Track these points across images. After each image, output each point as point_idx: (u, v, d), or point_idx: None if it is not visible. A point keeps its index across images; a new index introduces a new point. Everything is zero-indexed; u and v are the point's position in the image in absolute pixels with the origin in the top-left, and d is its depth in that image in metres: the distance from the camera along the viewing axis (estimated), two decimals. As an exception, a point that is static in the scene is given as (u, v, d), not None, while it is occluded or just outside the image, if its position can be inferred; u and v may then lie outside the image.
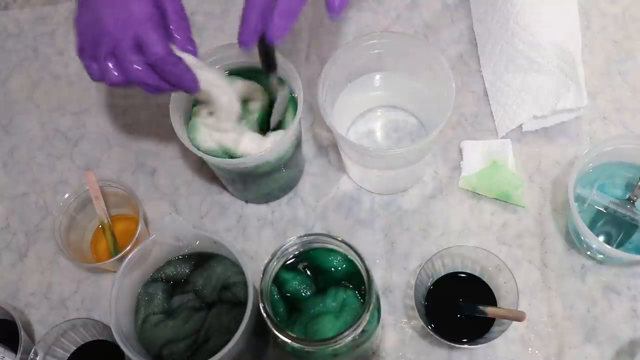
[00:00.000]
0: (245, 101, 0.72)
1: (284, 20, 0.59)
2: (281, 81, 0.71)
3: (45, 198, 0.87)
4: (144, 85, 0.61)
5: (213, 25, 0.95)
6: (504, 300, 0.71)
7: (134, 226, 0.78)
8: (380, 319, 0.66)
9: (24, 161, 0.90)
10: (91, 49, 0.60)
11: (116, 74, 0.60)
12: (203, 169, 0.86)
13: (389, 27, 0.93)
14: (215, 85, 0.66)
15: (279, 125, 0.73)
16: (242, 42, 0.60)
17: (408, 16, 0.94)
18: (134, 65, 0.59)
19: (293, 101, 0.74)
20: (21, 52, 0.97)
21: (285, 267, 0.64)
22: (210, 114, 0.70)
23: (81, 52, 0.61)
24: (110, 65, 0.60)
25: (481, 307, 0.70)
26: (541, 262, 0.78)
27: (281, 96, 0.71)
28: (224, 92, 0.67)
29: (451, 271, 0.75)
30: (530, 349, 0.74)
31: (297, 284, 0.64)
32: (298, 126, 0.72)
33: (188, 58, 0.63)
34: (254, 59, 0.75)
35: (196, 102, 0.73)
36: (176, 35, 0.63)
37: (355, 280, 0.63)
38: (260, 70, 0.75)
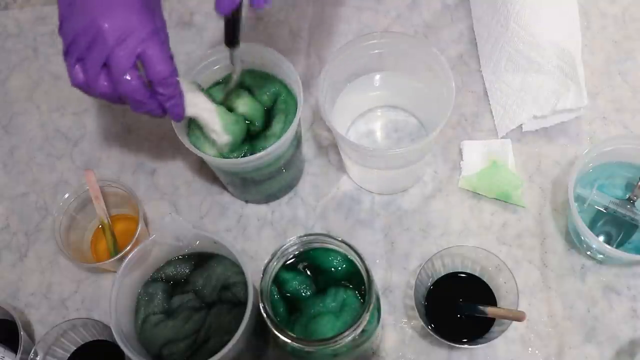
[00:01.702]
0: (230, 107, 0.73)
1: None
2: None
3: (45, 198, 0.87)
4: (134, 101, 0.60)
5: (213, 25, 0.95)
6: (504, 300, 0.71)
7: (134, 226, 0.78)
8: (380, 319, 0.66)
9: (24, 161, 0.90)
10: (80, 54, 0.58)
11: (106, 84, 0.59)
12: (203, 169, 0.86)
13: (389, 27, 0.93)
14: (198, 107, 0.66)
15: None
16: (221, 7, 0.58)
17: (408, 16, 0.94)
18: (129, 79, 0.58)
19: (293, 101, 0.74)
20: (21, 52, 0.97)
21: (285, 267, 0.64)
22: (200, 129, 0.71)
23: (67, 54, 0.59)
24: (100, 74, 0.58)
25: (481, 307, 0.70)
26: (541, 262, 0.78)
27: (236, 72, 0.69)
28: (206, 111, 0.68)
29: (451, 271, 0.75)
30: (530, 349, 0.74)
31: (297, 284, 0.64)
32: (298, 126, 0.72)
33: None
34: (252, 59, 0.75)
35: None
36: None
37: (355, 280, 0.63)
38: (258, 71, 0.76)
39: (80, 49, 0.58)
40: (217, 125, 0.69)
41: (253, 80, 0.75)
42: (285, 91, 0.75)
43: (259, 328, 0.68)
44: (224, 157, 0.72)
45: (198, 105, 0.66)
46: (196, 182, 0.86)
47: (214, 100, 0.70)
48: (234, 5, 0.58)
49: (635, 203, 0.75)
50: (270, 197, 0.83)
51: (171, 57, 0.61)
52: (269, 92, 0.75)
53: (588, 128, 0.84)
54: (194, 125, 0.73)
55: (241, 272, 0.67)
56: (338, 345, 0.58)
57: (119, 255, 0.75)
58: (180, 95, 0.62)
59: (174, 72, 0.60)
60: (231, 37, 0.64)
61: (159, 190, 0.86)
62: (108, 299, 0.65)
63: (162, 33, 0.61)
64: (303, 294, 0.64)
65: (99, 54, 0.57)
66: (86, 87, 0.60)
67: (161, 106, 0.62)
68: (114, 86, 0.59)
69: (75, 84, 0.60)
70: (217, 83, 0.76)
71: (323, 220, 0.82)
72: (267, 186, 0.79)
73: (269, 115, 0.74)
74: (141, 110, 0.62)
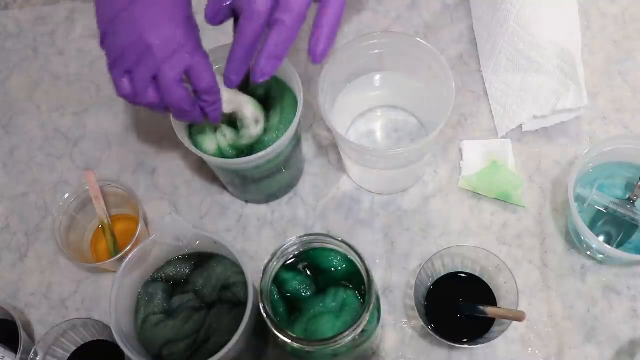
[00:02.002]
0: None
1: (270, 63, 0.59)
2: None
3: (45, 198, 0.87)
4: (180, 110, 0.62)
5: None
6: (504, 300, 0.71)
7: (134, 226, 0.78)
8: (380, 319, 0.66)
9: (24, 161, 0.90)
10: (128, 68, 0.60)
11: (154, 95, 0.61)
12: (203, 169, 0.86)
13: (389, 27, 0.93)
14: (236, 102, 0.68)
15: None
16: (229, 79, 0.62)
17: (408, 16, 0.94)
18: (177, 91, 0.60)
19: (293, 101, 0.74)
20: (21, 52, 0.97)
21: (285, 267, 0.64)
22: (230, 128, 0.72)
23: (113, 66, 0.61)
24: (150, 87, 0.60)
25: (481, 307, 0.70)
26: (541, 262, 0.78)
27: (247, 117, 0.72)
28: (246, 104, 0.69)
29: (451, 271, 0.75)
30: (530, 349, 0.74)
31: (297, 284, 0.64)
32: (298, 126, 0.72)
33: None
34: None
35: None
36: None
37: (355, 280, 0.63)
38: None
39: (128, 63, 0.59)
40: (255, 115, 0.70)
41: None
42: (281, 87, 0.75)
43: (259, 328, 0.68)
44: (224, 157, 0.72)
45: (235, 101, 0.68)
46: (196, 182, 0.86)
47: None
48: (239, 79, 0.62)
49: (635, 203, 0.75)
50: (270, 197, 0.83)
51: (213, 69, 0.63)
52: (261, 86, 0.75)
53: (588, 128, 0.84)
54: (204, 136, 0.73)
55: (241, 272, 0.67)
56: (338, 345, 0.58)
57: (119, 255, 0.75)
58: (220, 100, 0.64)
59: (217, 81, 0.63)
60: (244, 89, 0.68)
61: (159, 190, 0.86)
62: (108, 299, 0.65)
63: (201, 44, 0.63)
64: (303, 294, 0.64)
65: (148, 68, 0.59)
66: (133, 98, 0.62)
67: (203, 112, 0.64)
68: (162, 97, 0.61)
69: (122, 94, 0.61)
70: None
71: (323, 220, 0.82)
72: (267, 186, 0.79)
73: (267, 115, 0.74)
74: (185, 119, 0.64)
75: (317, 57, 0.59)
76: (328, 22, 0.58)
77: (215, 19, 0.62)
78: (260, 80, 0.60)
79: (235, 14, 0.62)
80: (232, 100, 0.67)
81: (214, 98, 0.63)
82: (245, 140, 0.72)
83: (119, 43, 0.59)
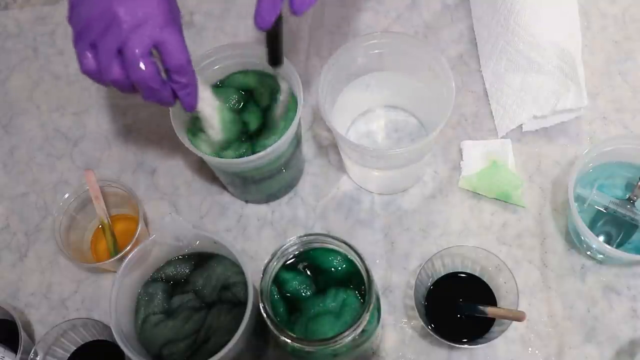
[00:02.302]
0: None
1: None
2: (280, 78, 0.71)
3: (45, 198, 0.87)
4: (147, 89, 0.58)
5: (213, 25, 0.95)
6: (504, 300, 0.71)
7: (134, 226, 0.78)
8: (380, 319, 0.66)
9: (24, 161, 0.90)
10: (92, 41, 0.56)
11: (119, 70, 0.57)
12: (203, 169, 0.86)
13: (389, 27, 0.93)
14: (204, 101, 0.66)
15: (272, 125, 0.73)
16: (261, 18, 0.56)
17: (408, 16, 0.94)
18: (144, 66, 0.57)
19: (293, 101, 0.74)
20: (21, 52, 0.97)
21: (285, 267, 0.64)
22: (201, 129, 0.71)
23: (77, 40, 0.57)
24: (114, 61, 0.57)
25: (481, 307, 0.70)
26: (541, 262, 0.78)
27: (284, 91, 0.70)
28: (210, 105, 0.68)
29: (451, 271, 0.75)
30: (530, 349, 0.74)
31: (297, 284, 0.64)
32: (298, 126, 0.72)
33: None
34: (252, 59, 0.75)
35: None
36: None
37: (355, 280, 0.63)
38: (258, 71, 0.76)
39: (93, 35, 0.56)
40: (216, 122, 0.69)
41: (253, 81, 0.76)
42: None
43: (259, 328, 0.68)
44: (223, 157, 0.72)
45: (204, 100, 0.66)
46: (196, 182, 0.86)
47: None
48: (273, 16, 0.56)
49: (635, 203, 0.75)
50: (270, 197, 0.83)
51: (185, 45, 0.59)
52: (267, 91, 0.75)
53: (588, 128, 0.84)
54: (196, 124, 0.73)
55: (241, 272, 0.67)
56: (338, 345, 0.58)
57: (119, 255, 0.75)
58: (195, 84, 0.61)
59: (190, 60, 0.59)
60: (274, 54, 0.63)
61: (159, 190, 0.86)
62: (108, 299, 0.65)
63: (178, 21, 0.59)
64: (303, 294, 0.64)
65: (113, 39, 0.56)
66: (97, 74, 0.58)
67: (174, 95, 0.61)
68: (128, 73, 0.57)
69: (86, 70, 0.58)
70: (215, 85, 0.76)
71: (323, 220, 0.82)
72: (267, 186, 0.79)
73: (266, 115, 0.74)
74: (153, 99, 0.60)
75: (296, 5, 0.55)
76: None
77: None
78: (303, 10, 0.54)
79: None
80: (201, 98, 0.64)
81: (185, 79, 0.59)
82: (204, 148, 0.71)
83: (84, 13, 0.56)
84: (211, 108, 0.68)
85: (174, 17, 0.59)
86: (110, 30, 0.56)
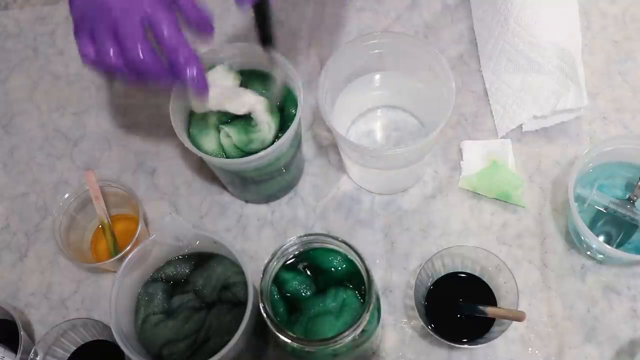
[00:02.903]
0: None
1: None
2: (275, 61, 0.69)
3: (45, 198, 0.87)
4: (146, 71, 0.57)
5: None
6: (504, 300, 0.71)
7: (134, 226, 0.78)
8: (380, 319, 0.66)
9: (24, 161, 0.90)
10: (89, 28, 0.56)
11: (115, 56, 0.56)
12: (203, 169, 0.86)
13: (389, 27, 0.93)
14: (251, 104, 0.68)
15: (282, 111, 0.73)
16: None
17: (408, 16, 0.94)
18: (139, 48, 0.56)
19: (293, 100, 0.74)
20: (21, 52, 0.97)
21: (285, 267, 0.64)
22: (235, 129, 0.72)
23: (77, 31, 0.58)
24: (110, 46, 0.56)
25: (481, 307, 0.70)
26: (541, 262, 0.78)
27: (279, 75, 0.70)
28: (259, 107, 0.69)
29: (451, 271, 0.75)
30: (530, 349, 0.74)
31: (297, 284, 0.64)
32: (298, 126, 0.72)
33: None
34: (254, 58, 0.75)
35: None
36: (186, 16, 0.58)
37: (355, 280, 0.63)
38: (259, 71, 0.76)
39: (89, 25, 0.56)
40: (268, 120, 0.70)
41: (254, 81, 0.76)
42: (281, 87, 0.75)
43: (259, 328, 0.68)
44: (225, 157, 0.72)
45: (250, 102, 0.66)
46: (196, 182, 0.86)
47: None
48: None
49: (635, 203, 0.75)
50: (270, 197, 0.83)
51: (178, 24, 0.58)
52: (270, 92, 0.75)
53: (588, 128, 0.84)
54: (196, 123, 0.73)
55: (241, 272, 0.67)
56: (338, 345, 0.58)
57: (119, 255, 0.75)
58: (198, 64, 0.59)
59: (182, 36, 0.58)
60: (264, 34, 0.62)
61: (159, 190, 0.86)
62: (108, 299, 0.65)
63: (169, 3, 0.58)
64: (303, 294, 0.64)
65: (105, 25, 0.56)
66: (97, 62, 0.58)
67: (174, 76, 0.59)
68: (125, 57, 0.57)
69: (86, 58, 0.58)
70: None
71: (323, 220, 0.82)
72: (267, 186, 0.79)
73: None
74: (156, 83, 0.59)
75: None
76: None
77: None
78: None
79: None
80: (246, 102, 0.66)
81: (182, 57, 0.57)
82: (256, 145, 0.71)
83: (80, 5, 0.57)
84: (261, 106, 0.69)
85: None
86: (102, 16, 0.56)
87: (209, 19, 0.59)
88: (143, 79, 0.58)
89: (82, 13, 0.57)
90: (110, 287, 0.66)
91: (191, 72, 0.58)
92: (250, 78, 0.75)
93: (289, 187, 0.84)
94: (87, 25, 0.57)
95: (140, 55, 0.56)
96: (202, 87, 0.60)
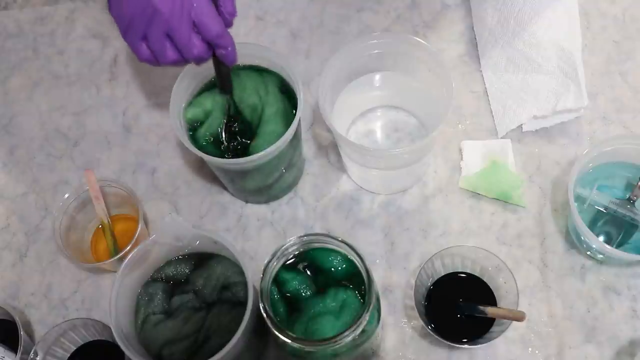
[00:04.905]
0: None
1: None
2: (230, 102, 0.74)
3: (45, 198, 0.87)
4: (200, 60, 0.65)
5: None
6: (504, 300, 0.71)
7: (134, 226, 0.78)
8: (380, 319, 0.66)
9: (24, 161, 0.90)
10: (141, 31, 0.62)
11: (173, 53, 0.64)
12: (203, 169, 0.86)
13: (389, 27, 0.93)
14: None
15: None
16: (186, 52, 0.64)
17: (408, 16, 0.94)
18: (193, 44, 0.63)
19: (293, 100, 0.74)
20: (21, 52, 0.97)
21: (285, 267, 0.64)
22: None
23: (127, 34, 0.63)
24: (165, 47, 0.63)
25: (481, 307, 0.70)
26: (541, 262, 0.78)
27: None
28: None
29: (451, 271, 0.75)
30: (530, 349, 0.74)
31: (297, 284, 0.64)
32: (298, 126, 0.72)
33: None
34: (250, 59, 0.75)
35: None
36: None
37: (355, 280, 0.63)
38: (255, 66, 0.76)
39: (141, 28, 0.62)
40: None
41: (252, 79, 0.76)
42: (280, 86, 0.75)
43: (259, 328, 0.68)
44: (224, 157, 0.72)
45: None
46: (196, 182, 0.86)
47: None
48: (193, 49, 0.64)
49: (635, 203, 0.75)
50: (270, 197, 0.83)
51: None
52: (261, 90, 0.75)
53: (588, 128, 0.84)
54: (198, 124, 0.73)
55: (241, 272, 0.67)
56: (338, 345, 0.58)
57: (119, 255, 0.75)
58: (233, 44, 0.66)
59: (222, 23, 0.64)
60: (222, 82, 0.71)
61: (159, 190, 0.86)
62: (108, 299, 0.65)
63: None
64: (303, 294, 0.64)
65: (159, 29, 0.62)
66: (155, 60, 0.65)
67: (220, 58, 0.67)
68: (181, 53, 0.64)
69: (144, 59, 0.65)
70: (209, 89, 0.76)
71: (323, 220, 0.82)
72: (267, 186, 0.79)
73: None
74: (203, 62, 0.67)
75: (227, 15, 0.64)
76: None
77: None
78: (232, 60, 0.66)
79: None
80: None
81: (226, 41, 0.65)
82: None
83: (127, 10, 0.62)
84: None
85: None
86: (154, 21, 0.62)
87: (235, 12, 0.67)
88: (195, 63, 0.67)
89: (130, 20, 0.62)
90: (110, 287, 0.66)
91: (229, 52, 0.66)
92: (250, 77, 0.76)
93: (289, 187, 0.84)
94: (138, 30, 0.63)
95: (195, 51, 0.64)
96: (235, 61, 0.68)
